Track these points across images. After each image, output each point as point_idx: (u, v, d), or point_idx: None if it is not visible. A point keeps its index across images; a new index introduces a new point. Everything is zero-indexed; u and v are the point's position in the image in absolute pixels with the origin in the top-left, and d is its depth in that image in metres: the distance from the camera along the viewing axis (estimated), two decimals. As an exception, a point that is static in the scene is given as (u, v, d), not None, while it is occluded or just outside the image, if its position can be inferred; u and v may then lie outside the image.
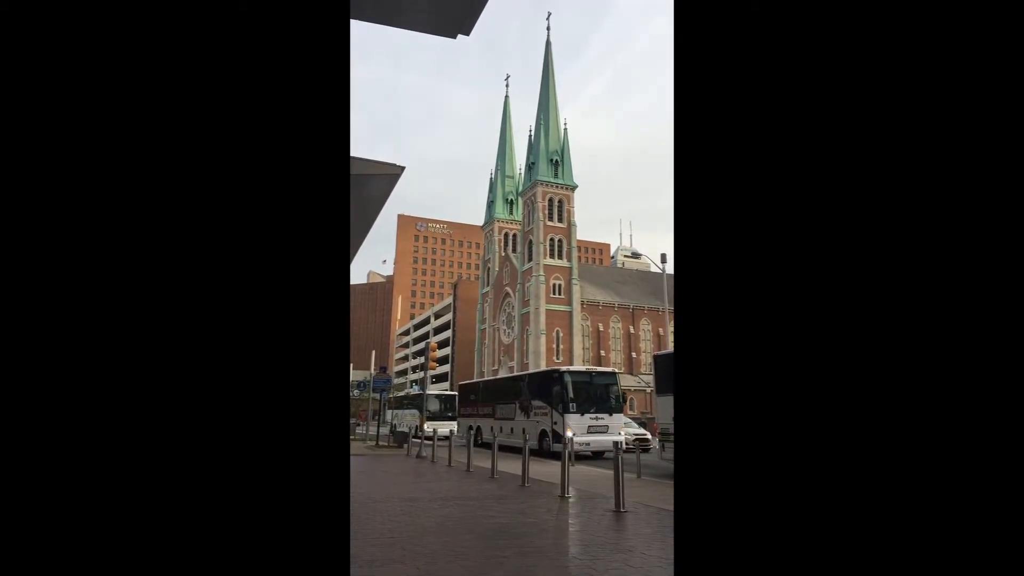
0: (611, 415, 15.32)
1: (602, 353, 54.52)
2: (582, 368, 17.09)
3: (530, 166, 60.22)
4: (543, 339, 53.09)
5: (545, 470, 11.28)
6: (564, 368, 16.21)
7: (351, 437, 28.30)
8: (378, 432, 23.19)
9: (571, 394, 15.10)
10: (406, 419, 25.51)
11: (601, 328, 56.25)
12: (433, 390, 28.21)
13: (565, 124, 60.90)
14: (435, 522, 6.05)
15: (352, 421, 33.89)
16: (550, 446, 15.08)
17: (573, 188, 59.10)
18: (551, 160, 58.90)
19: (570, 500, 7.65)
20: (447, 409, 24.46)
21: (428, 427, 20.16)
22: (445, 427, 19.64)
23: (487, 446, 11.09)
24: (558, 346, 53.78)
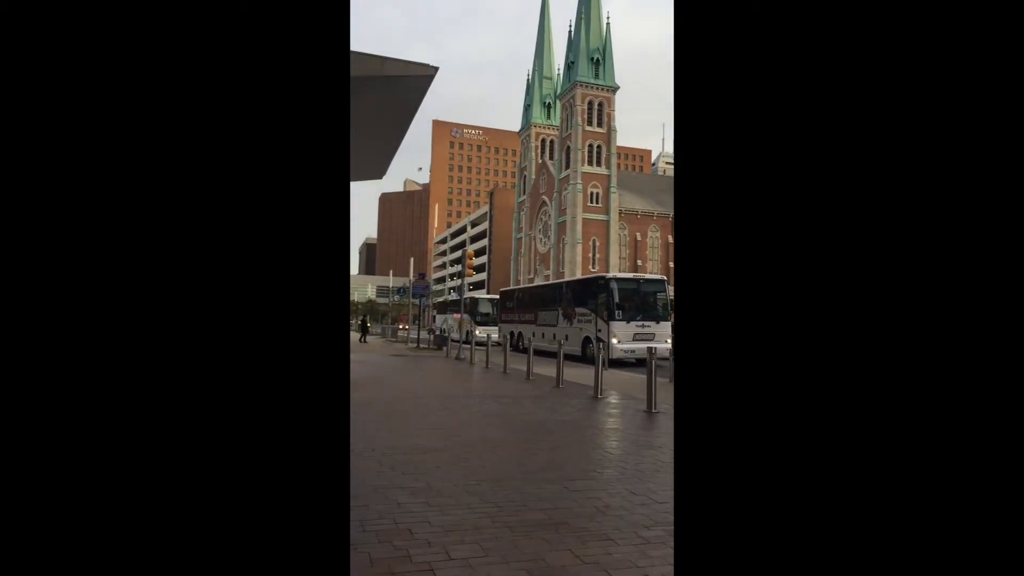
0: (658, 323, 15.28)
1: (639, 263, 54.17)
2: (629, 275, 16.95)
3: (569, 65, 57.23)
4: (579, 248, 52.89)
5: (579, 373, 11.65)
6: (610, 275, 16.14)
7: (393, 339, 29.52)
8: (419, 335, 24.13)
9: (617, 301, 15.13)
10: (452, 323, 26.12)
11: (639, 237, 55.51)
12: (477, 296, 28.63)
13: (608, 19, 56.97)
14: (474, 416, 6.42)
15: (397, 326, 35.05)
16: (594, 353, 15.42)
17: (614, 89, 56.21)
18: (592, 59, 55.73)
19: (603, 401, 7.96)
20: (496, 314, 24.84)
21: (480, 332, 20.66)
22: (489, 332, 20.23)
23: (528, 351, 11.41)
24: (594, 255, 53.59)
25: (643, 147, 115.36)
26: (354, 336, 28.21)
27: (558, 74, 62.56)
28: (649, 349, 7.41)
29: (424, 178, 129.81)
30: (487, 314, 25.03)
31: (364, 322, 29.91)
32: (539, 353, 14.54)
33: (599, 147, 55.10)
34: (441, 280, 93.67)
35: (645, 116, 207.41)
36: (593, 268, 51.72)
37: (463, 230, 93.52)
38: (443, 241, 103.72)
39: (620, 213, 54.76)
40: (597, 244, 53.90)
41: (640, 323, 15.18)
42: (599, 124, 55.37)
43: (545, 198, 60.00)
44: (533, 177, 63.74)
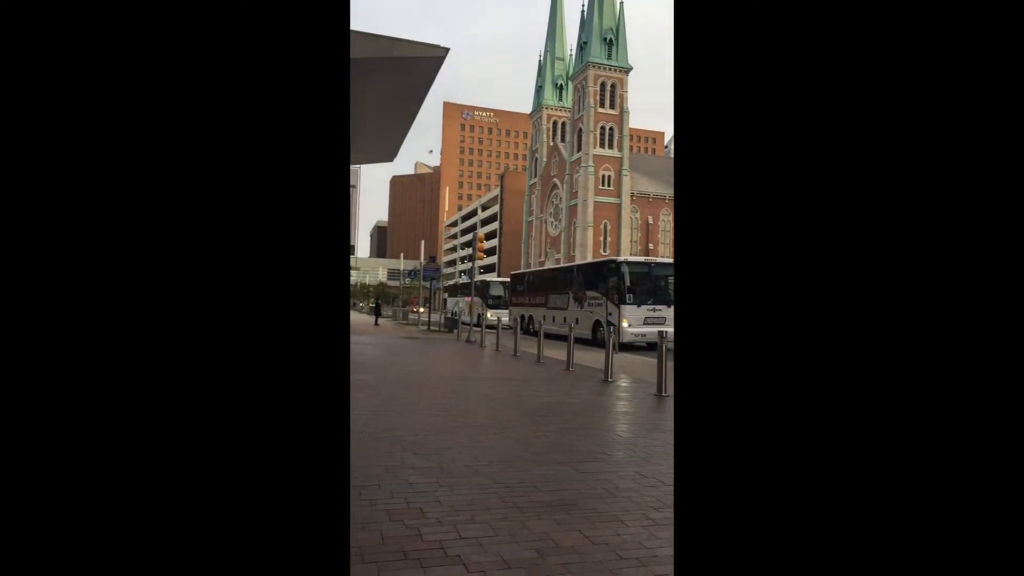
0: (669, 307, 15.14)
1: (650, 246, 53.85)
2: (641, 259, 16.99)
3: (582, 46, 56.47)
4: (590, 231, 52.65)
5: (590, 356, 11.67)
6: (621, 258, 16.17)
7: (404, 321, 29.73)
8: (429, 318, 24.25)
9: (628, 284, 15.12)
10: (463, 306, 26.27)
11: (651, 221, 55.12)
12: (488, 279, 28.74)
13: (621, -2, 56.00)
14: (484, 398, 6.46)
15: (407, 308, 35.42)
16: (604, 336, 15.46)
17: (627, 70, 55.46)
18: (605, 39, 54.95)
19: (613, 384, 7.97)
20: (507, 297, 24.93)
21: (491, 315, 20.75)
22: (499, 315, 20.31)
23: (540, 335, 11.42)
24: (606, 238, 53.33)
25: (656, 129, 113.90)
26: (368, 319, 28.35)
27: (570, 55, 61.84)
28: (660, 333, 7.39)
29: (435, 160, 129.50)
30: (498, 297, 25.09)
31: (378, 305, 30.18)
32: (550, 336, 14.56)
33: (611, 129, 54.53)
34: (452, 263, 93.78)
35: (659, 96, 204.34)
36: (604, 251, 51.48)
37: (474, 213, 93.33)
38: (454, 224, 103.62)
39: (632, 196, 54.34)
40: (608, 227, 53.59)
41: (651, 307, 15.14)
42: (612, 106, 54.73)
43: (556, 181, 59.63)
44: (544, 160, 63.30)
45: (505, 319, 20.95)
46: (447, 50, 6.97)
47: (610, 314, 15.38)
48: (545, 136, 64.20)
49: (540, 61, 66.64)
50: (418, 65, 7.16)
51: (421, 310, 27.92)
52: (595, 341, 15.73)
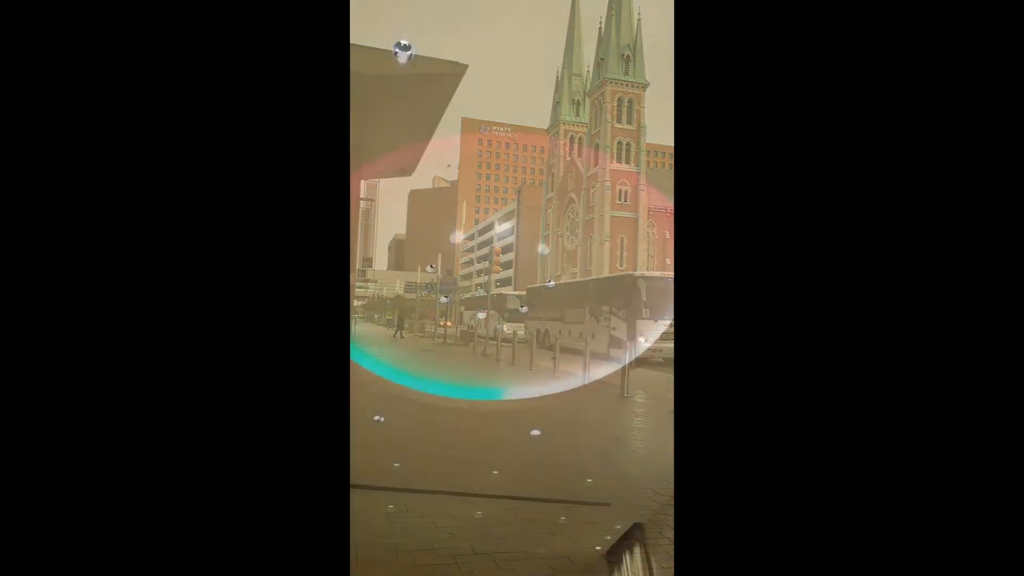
0: None
1: (667, 261, 53.55)
2: (657, 273, 16.99)
3: (599, 63, 56.82)
4: (607, 246, 52.54)
5: (606, 371, 11.58)
6: (638, 273, 16.24)
7: (421, 334, 29.82)
8: (446, 331, 24.32)
9: (644, 299, 15.05)
10: (479, 319, 26.11)
11: (668, 236, 54.85)
12: (504, 292, 28.74)
13: (639, 14, 56.37)
14: (498, 411, 6.45)
15: (423, 321, 35.61)
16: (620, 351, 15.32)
17: (645, 86, 55.63)
18: (622, 55, 55.24)
19: (629, 400, 7.90)
20: (523, 311, 24.81)
21: (507, 328, 20.76)
22: (515, 329, 20.33)
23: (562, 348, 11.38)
24: (622, 253, 53.18)
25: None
26: (387, 331, 28.36)
27: (588, 71, 62.17)
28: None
29: (453, 175, 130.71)
30: (514, 311, 25.07)
31: (401, 318, 29.76)
32: (565, 350, 14.50)
33: (628, 144, 54.60)
34: (468, 277, 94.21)
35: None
36: (621, 266, 51.29)
37: (490, 227, 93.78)
38: (471, 238, 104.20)
39: (648, 211, 54.22)
40: (625, 242, 53.46)
41: (668, 322, 15.02)
42: (628, 121, 54.85)
43: (573, 195, 59.73)
44: (561, 174, 63.50)
45: (521, 332, 20.93)
46: (465, 67, 7.04)
47: (615, 328, 15.29)
48: (562, 151, 64.50)
49: (557, 77, 67.12)
50: (437, 81, 7.24)
51: (448, 324, 27.38)
52: (611, 356, 15.64)
